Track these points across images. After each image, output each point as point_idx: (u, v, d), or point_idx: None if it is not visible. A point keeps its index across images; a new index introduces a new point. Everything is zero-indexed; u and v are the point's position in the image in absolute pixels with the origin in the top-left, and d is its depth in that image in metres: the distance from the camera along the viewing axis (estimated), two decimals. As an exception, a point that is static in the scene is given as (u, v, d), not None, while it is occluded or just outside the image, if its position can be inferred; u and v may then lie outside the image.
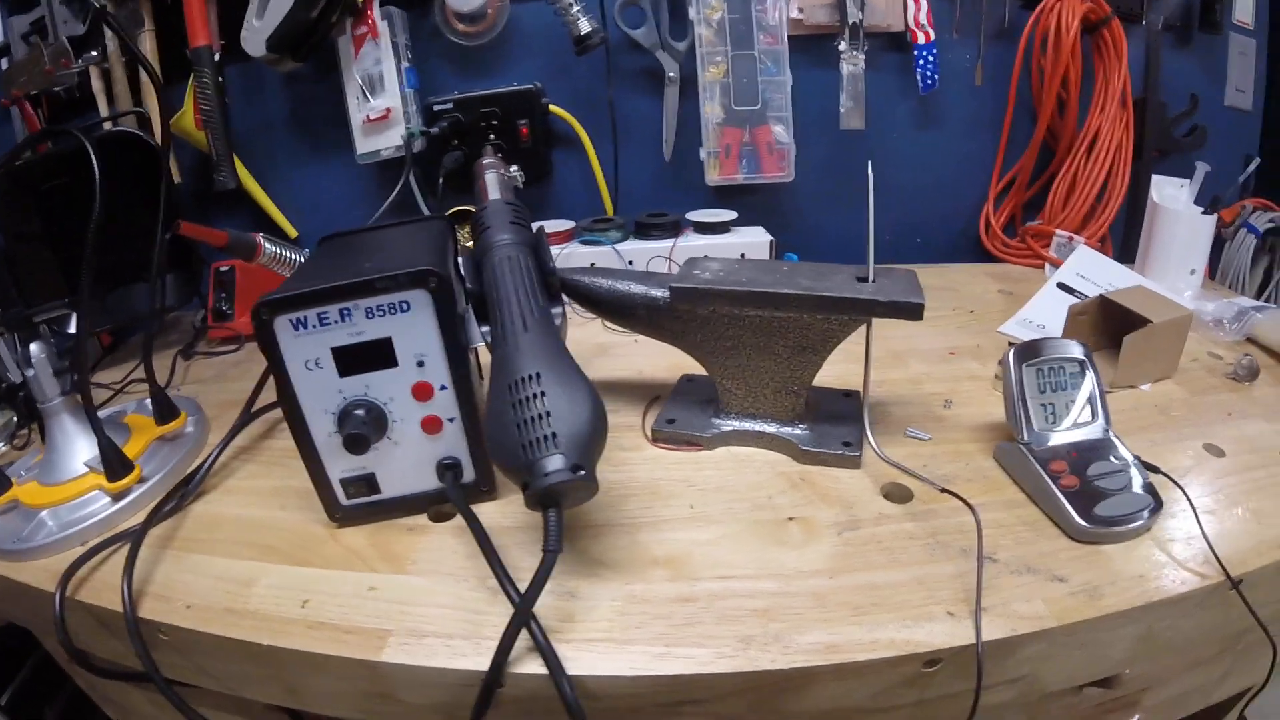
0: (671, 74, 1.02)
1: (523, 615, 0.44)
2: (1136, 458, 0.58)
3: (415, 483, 0.57)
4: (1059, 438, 0.60)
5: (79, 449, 0.73)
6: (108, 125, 1.02)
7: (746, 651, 0.44)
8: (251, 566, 0.57)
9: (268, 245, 0.84)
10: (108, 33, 1.01)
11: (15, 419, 0.90)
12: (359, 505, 0.57)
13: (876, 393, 0.74)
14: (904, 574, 0.50)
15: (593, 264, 0.97)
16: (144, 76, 1.03)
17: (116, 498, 0.69)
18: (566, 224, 1.02)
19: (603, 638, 0.46)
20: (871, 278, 0.58)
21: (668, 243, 0.97)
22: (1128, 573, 0.50)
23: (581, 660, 0.44)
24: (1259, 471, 0.62)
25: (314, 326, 0.51)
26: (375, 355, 0.52)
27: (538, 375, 0.45)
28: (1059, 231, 1.10)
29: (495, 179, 0.63)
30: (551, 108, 1.03)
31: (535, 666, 0.44)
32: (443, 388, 0.54)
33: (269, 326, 0.51)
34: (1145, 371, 0.77)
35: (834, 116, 1.06)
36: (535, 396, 0.44)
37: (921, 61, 1.06)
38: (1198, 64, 1.13)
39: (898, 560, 0.51)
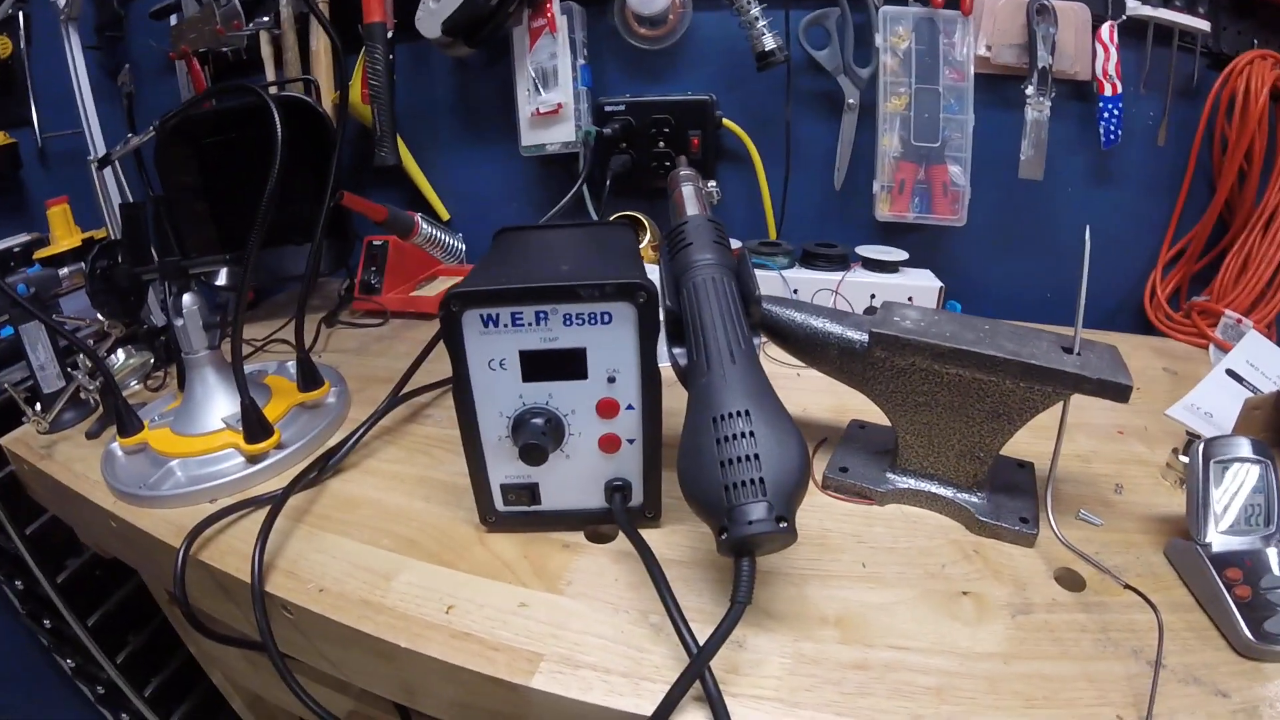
0: (851, 100, 0.98)
1: (699, 666, 0.41)
2: None
3: (579, 499, 0.55)
4: (1235, 543, 0.55)
5: (218, 404, 0.73)
6: (274, 90, 1.04)
7: None
8: (390, 558, 0.55)
9: (424, 225, 0.83)
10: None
11: (152, 361, 0.91)
12: (515, 513, 0.55)
13: (1046, 469, 0.69)
14: (1074, 668, 0.46)
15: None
16: (315, 46, 1.05)
17: (251, 460, 0.68)
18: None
19: (772, 696, 0.43)
20: (1077, 349, 0.54)
21: (835, 275, 0.93)
22: None
23: (749, 719, 0.41)
24: None
25: (505, 326, 0.49)
26: (566, 365, 0.50)
27: (747, 413, 0.42)
28: (1228, 312, 1.01)
29: (693, 192, 0.60)
30: (725, 121, 1.00)
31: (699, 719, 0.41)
32: (629, 407, 0.51)
33: (457, 319, 0.49)
34: None
35: (1010, 162, 1.00)
36: (743, 435, 0.41)
37: (1106, 114, 0.99)
38: None
39: (1068, 653, 0.47)
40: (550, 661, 0.45)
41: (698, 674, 0.41)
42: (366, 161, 1.07)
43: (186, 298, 0.74)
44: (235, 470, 0.67)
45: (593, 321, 0.48)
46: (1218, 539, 0.54)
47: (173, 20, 1.18)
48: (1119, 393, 0.52)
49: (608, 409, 0.51)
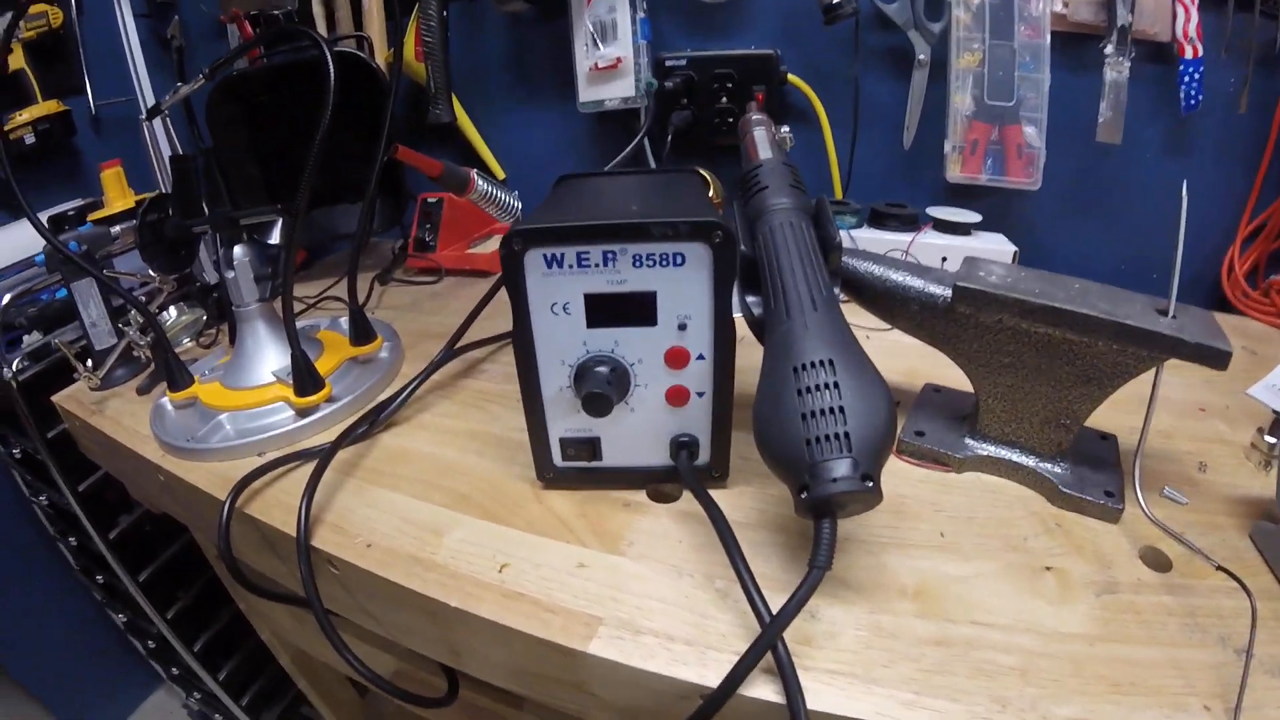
0: (922, 56, 0.93)
1: (771, 636, 0.38)
2: None
3: (642, 456, 0.52)
4: None
5: (268, 357, 0.72)
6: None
7: (1003, 715, 0.38)
8: (441, 514, 0.54)
9: (480, 182, 0.81)
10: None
11: (204, 318, 0.91)
12: (574, 469, 0.53)
13: (1130, 442, 0.64)
14: (1159, 653, 0.43)
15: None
16: (367, 4, 1.03)
17: (302, 413, 0.67)
18: None
19: (846, 671, 0.40)
20: (1172, 313, 0.51)
21: (906, 236, 0.89)
22: None
23: (822, 694, 0.39)
24: None
25: (570, 267, 0.46)
26: (634, 309, 0.47)
27: (831, 363, 0.39)
28: None
29: (764, 135, 0.57)
30: (790, 77, 0.96)
31: (768, 693, 0.39)
32: (700, 357, 0.48)
33: (519, 259, 0.46)
34: None
35: (1087, 126, 0.95)
36: (827, 387, 0.38)
37: (1186, 78, 0.93)
38: None
39: (1155, 637, 0.44)
40: (609, 626, 0.43)
41: (770, 644, 0.38)
42: (421, 121, 1.06)
43: (237, 249, 0.72)
44: (285, 424, 0.66)
45: (664, 263, 0.45)
46: None
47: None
48: (1217, 359, 0.49)
49: (677, 359, 0.48)
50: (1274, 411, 0.64)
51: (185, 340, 0.89)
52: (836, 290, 0.47)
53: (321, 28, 1.09)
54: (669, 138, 0.96)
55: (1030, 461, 0.56)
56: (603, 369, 0.48)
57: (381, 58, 1.03)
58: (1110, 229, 1.05)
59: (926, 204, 0.95)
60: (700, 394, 0.49)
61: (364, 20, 1.05)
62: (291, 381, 0.67)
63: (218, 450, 0.64)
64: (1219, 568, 0.48)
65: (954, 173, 0.95)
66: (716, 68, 0.96)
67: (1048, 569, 0.49)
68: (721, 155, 1.04)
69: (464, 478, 0.57)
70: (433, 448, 0.61)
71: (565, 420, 0.51)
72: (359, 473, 0.59)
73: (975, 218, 0.90)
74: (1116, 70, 0.94)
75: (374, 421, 0.64)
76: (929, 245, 0.89)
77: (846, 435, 0.37)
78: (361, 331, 0.74)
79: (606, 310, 0.47)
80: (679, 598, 0.45)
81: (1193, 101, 0.94)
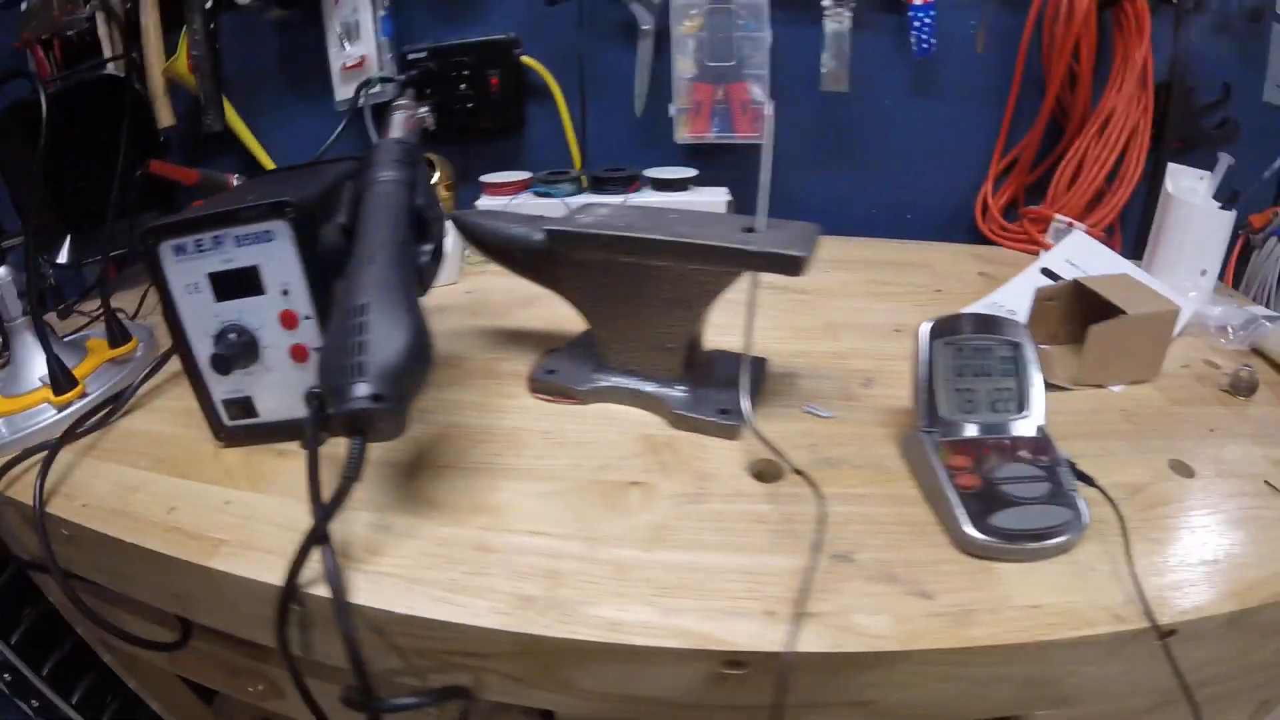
0: (645, 26, 1.02)
1: (316, 535, 0.45)
2: (1070, 465, 0.52)
3: (289, 409, 0.61)
4: (972, 430, 0.54)
5: (37, 365, 0.80)
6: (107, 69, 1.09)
7: (522, 612, 0.44)
8: (143, 475, 0.61)
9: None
10: (109, -24, 1.07)
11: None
12: (240, 426, 0.62)
13: (794, 364, 0.72)
14: (734, 559, 0.48)
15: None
16: (144, 22, 1.09)
17: (60, 409, 0.75)
18: (523, 175, 1.04)
19: (395, 573, 0.47)
20: (761, 229, 0.56)
21: (619, 198, 0.97)
22: (1019, 600, 0.45)
23: (366, 590, 0.46)
24: (1230, 502, 0.55)
25: (193, 252, 0.55)
26: (245, 282, 0.56)
27: (365, 306, 0.47)
28: (1058, 216, 1.04)
29: (400, 119, 0.65)
30: (524, 59, 1.05)
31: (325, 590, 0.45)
32: (307, 317, 0.57)
33: (154, 251, 0.55)
34: (1116, 371, 0.71)
35: (818, 78, 1.04)
36: (357, 326, 0.46)
37: (917, 23, 1.01)
38: (1235, 53, 1.03)
39: (733, 543, 0.49)
40: (231, 546, 0.51)
41: (313, 542, 0.45)
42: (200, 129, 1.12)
43: (1, 269, 0.80)
44: (47, 419, 0.74)
45: (259, 240, 0.54)
46: (948, 426, 0.54)
47: (22, 8, 1.22)
48: (789, 265, 0.52)
49: (289, 320, 0.57)
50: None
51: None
52: (429, 248, 0.56)
53: (108, 49, 1.14)
54: None
55: (650, 387, 0.63)
56: (232, 335, 0.57)
57: (158, 73, 1.10)
58: (861, 176, 1.14)
59: (662, 165, 1.04)
60: (316, 349, 0.58)
61: (143, 39, 1.11)
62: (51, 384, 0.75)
63: (-5, 450, 0.71)
64: (796, 471, 0.53)
65: (682, 134, 1.04)
66: (455, 56, 1.05)
67: (635, 484, 0.55)
68: (471, 138, 1.12)
69: (169, 445, 0.65)
70: (155, 425, 0.69)
71: (221, 384, 0.60)
72: (95, 452, 0.67)
73: (689, 172, 0.99)
74: (837, 21, 1.02)
75: (110, 410, 0.72)
76: (641, 204, 0.96)
77: (363, 364, 0.45)
78: (117, 335, 0.82)
79: (226, 285, 0.56)
80: (290, 522, 0.53)
81: (925, 45, 1.01)
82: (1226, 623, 0.45)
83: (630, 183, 1.00)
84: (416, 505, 0.53)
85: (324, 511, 0.45)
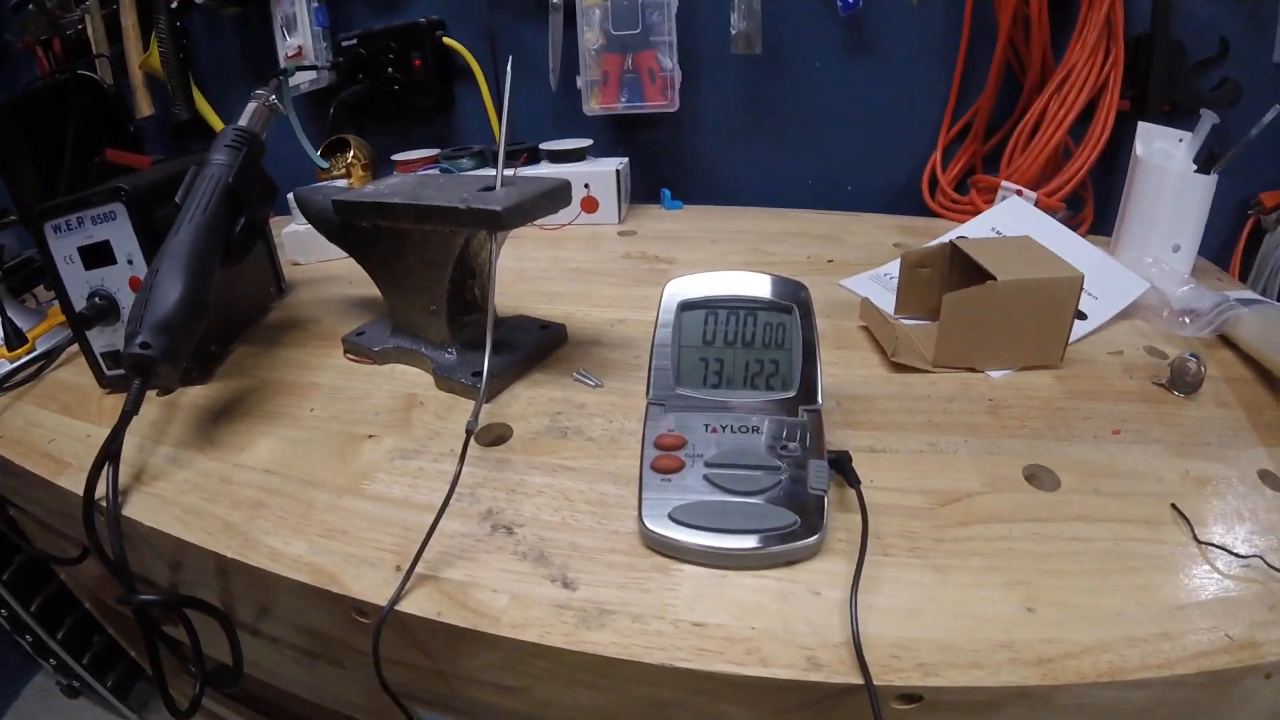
0: (555, 1, 1.07)
1: (102, 455, 0.54)
2: (837, 459, 0.47)
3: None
4: (706, 406, 0.50)
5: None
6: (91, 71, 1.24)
7: (220, 535, 0.51)
8: (47, 415, 0.72)
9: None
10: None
11: None
12: (117, 375, 0.74)
13: (606, 333, 0.75)
14: (401, 513, 0.50)
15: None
16: (124, 22, 1.24)
17: (12, 363, 0.89)
18: (428, 152, 1.12)
19: (161, 495, 0.56)
20: (498, 185, 0.59)
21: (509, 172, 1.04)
22: (681, 613, 0.40)
23: (138, 505, 0.55)
24: (1098, 529, 0.45)
25: (64, 230, 0.67)
26: (102, 254, 0.68)
27: (156, 270, 0.58)
28: (1005, 184, 0.95)
29: (250, 108, 0.75)
30: (445, 40, 1.13)
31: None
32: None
33: (40, 229, 0.67)
34: (993, 353, 0.62)
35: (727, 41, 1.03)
36: (146, 287, 0.57)
37: None
38: (1238, 8, 0.91)
39: (411, 500, 0.52)
40: (74, 470, 0.62)
41: (99, 462, 0.54)
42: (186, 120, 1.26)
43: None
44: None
45: (107, 220, 0.66)
46: (679, 400, 0.50)
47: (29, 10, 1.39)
48: (485, 219, 0.55)
49: (135, 284, 0.69)
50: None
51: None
52: (241, 221, 0.66)
53: (96, 47, 1.30)
54: (332, 111, 1.14)
55: (423, 349, 0.67)
56: (96, 299, 0.69)
57: (136, 67, 1.25)
58: (791, 145, 1.13)
59: (572, 138, 1.10)
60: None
61: (124, 37, 1.26)
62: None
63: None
64: (468, 431, 0.51)
65: (591, 105, 1.09)
66: (380, 41, 1.14)
67: (369, 437, 0.59)
68: (412, 121, 1.22)
69: (74, 394, 0.77)
70: (72, 377, 0.80)
71: (98, 340, 0.72)
72: (25, 397, 0.78)
73: (585, 143, 1.06)
74: None
75: (45, 364, 0.87)
76: (535, 175, 1.03)
77: (142, 319, 0.55)
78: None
79: (90, 257, 0.68)
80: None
81: (850, 1, 0.98)
82: (998, 700, 0.35)
83: (526, 155, 1.07)
84: (201, 443, 0.62)
85: (111, 436, 0.55)
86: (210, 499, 0.55)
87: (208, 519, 0.53)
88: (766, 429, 0.48)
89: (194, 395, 0.71)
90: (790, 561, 0.43)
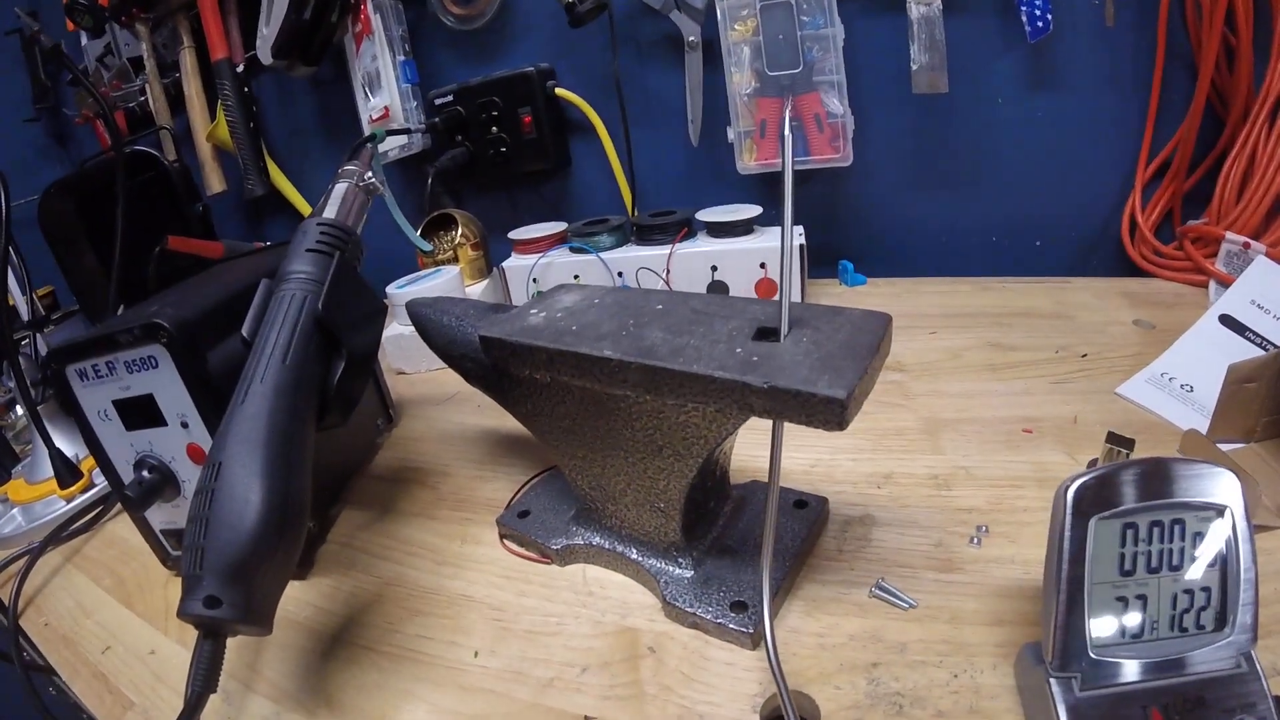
0: (692, 38, 0.90)
1: None
2: None
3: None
4: (1137, 668, 0.32)
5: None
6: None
7: None
8: (101, 597, 0.59)
9: (268, 254, 0.87)
10: (146, 52, 1.10)
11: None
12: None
13: (872, 499, 0.53)
14: None
15: (576, 276, 0.89)
16: (188, 91, 1.11)
17: (68, 501, 0.75)
18: (554, 227, 0.94)
19: None
20: (785, 330, 0.38)
21: (664, 250, 0.85)
22: None
23: None
24: None
25: (93, 378, 0.51)
26: (145, 412, 0.51)
27: (219, 466, 0.40)
28: (1229, 235, 0.81)
29: (339, 191, 0.57)
30: (558, 91, 0.97)
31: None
32: (215, 453, 0.51)
33: (61, 375, 0.52)
34: None
35: (908, 79, 0.88)
36: (205, 494, 0.39)
37: None
38: None
39: None
40: (135, 713, 0.47)
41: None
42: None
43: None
44: (57, 511, 0.74)
45: (147, 367, 0.49)
46: (1097, 662, 0.32)
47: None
48: (817, 413, 0.33)
49: (196, 455, 0.51)
50: (1110, 436, 0.47)
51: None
52: (342, 363, 0.49)
53: (158, 119, 1.18)
54: (430, 181, 0.97)
55: (638, 556, 0.47)
56: (145, 471, 0.52)
57: (203, 139, 1.12)
58: (972, 197, 0.97)
59: (730, 202, 0.92)
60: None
61: (187, 107, 1.14)
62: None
63: (11, 538, 0.72)
64: None
65: (745, 162, 0.91)
66: (480, 96, 0.98)
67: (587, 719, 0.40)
68: (522, 186, 1.05)
69: (132, 564, 0.62)
70: (132, 534, 0.67)
71: (157, 515, 0.56)
72: (76, 558, 0.66)
73: (754, 211, 0.87)
74: (924, 4, 0.87)
75: (101, 511, 0.72)
76: (692, 254, 0.85)
77: (203, 552, 0.37)
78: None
79: (131, 414, 0.51)
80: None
81: (1040, 24, 0.85)
82: None
83: (679, 229, 0.87)
84: (315, 703, 0.44)
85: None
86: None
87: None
88: (1222, 691, 0.31)
89: (293, 603, 0.52)
90: None
